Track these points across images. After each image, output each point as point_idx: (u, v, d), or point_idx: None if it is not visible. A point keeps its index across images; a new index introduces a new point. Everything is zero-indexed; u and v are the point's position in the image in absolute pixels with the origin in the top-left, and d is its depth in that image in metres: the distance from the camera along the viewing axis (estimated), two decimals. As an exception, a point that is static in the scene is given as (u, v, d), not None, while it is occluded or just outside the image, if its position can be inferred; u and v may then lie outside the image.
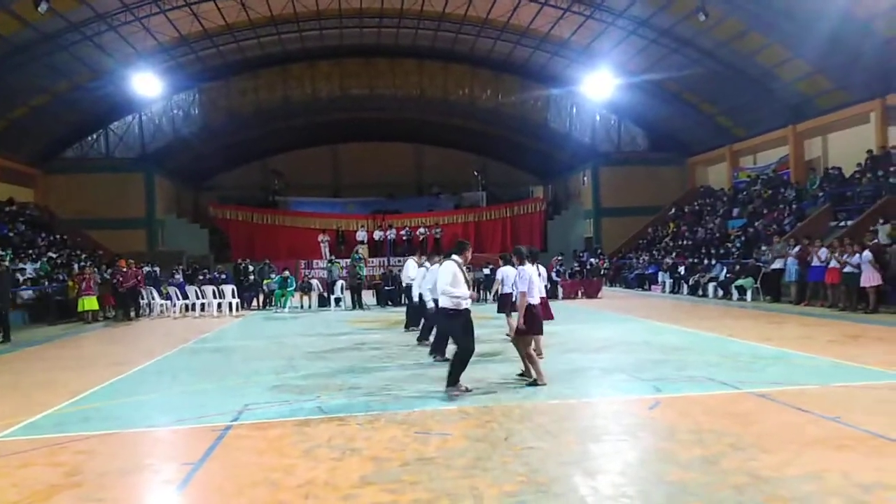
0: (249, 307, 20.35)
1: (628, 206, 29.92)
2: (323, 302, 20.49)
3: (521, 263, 7.70)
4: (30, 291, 17.74)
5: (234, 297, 19.17)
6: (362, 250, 28.00)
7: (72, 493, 4.44)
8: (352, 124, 32.36)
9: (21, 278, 17.60)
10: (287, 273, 20.20)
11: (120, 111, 27.49)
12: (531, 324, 7.38)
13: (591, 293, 21.17)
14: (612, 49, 24.41)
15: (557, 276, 21.61)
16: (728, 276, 19.14)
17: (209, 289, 19.25)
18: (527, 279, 7.37)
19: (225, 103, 29.12)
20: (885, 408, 6.02)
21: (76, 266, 20.41)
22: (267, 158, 35.27)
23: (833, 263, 14.75)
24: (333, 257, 25.30)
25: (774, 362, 8.44)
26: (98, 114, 26.91)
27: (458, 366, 6.97)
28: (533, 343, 7.77)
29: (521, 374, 7.72)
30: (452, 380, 6.96)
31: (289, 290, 19.56)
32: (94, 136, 28.23)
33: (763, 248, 18.88)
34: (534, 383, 7.29)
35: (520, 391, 7.12)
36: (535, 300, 7.51)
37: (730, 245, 21.68)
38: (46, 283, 19.00)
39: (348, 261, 21.94)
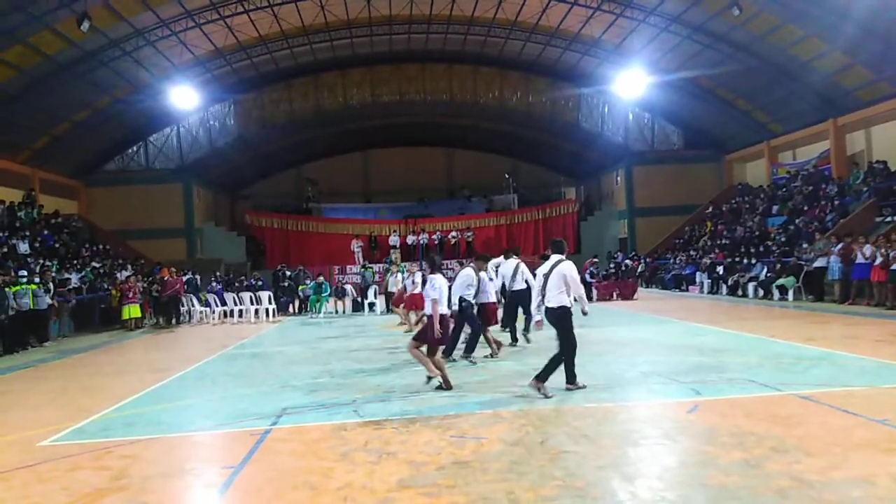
0: (286, 313, 20.67)
1: (663, 206, 29.41)
2: (357, 307, 20.68)
3: (433, 272, 7.83)
4: (74, 300, 18.29)
5: (270, 303, 19.49)
6: (395, 255, 28.19)
7: (118, 497, 4.58)
8: (383, 130, 32.64)
9: (67, 288, 18.17)
10: (321, 279, 20.45)
11: (158, 123, 28.23)
12: (430, 334, 7.44)
13: (627, 295, 20.89)
14: (644, 47, 24.09)
15: (591, 277, 21.42)
16: (769, 275, 18.67)
17: (246, 295, 19.61)
18: (437, 288, 7.50)
19: (259, 113, 29.68)
20: (938, 409, 5.80)
21: (118, 275, 21.02)
22: (300, 166, 35.78)
23: (879, 260, 14.28)
24: (367, 262, 25.51)
25: (818, 363, 8.21)
26: (137, 127, 27.69)
27: (559, 363, 7.00)
28: (428, 348, 7.66)
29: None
30: (546, 376, 6.96)
31: (323, 295, 19.79)
32: (135, 149, 29.03)
33: (805, 245, 18.37)
34: (429, 379, 7.51)
35: (554, 396, 7.05)
36: (444, 310, 7.56)
37: (770, 243, 21.15)
38: (85, 291, 19.54)
39: (381, 266, 22.14)
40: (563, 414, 6.22)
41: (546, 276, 7.13)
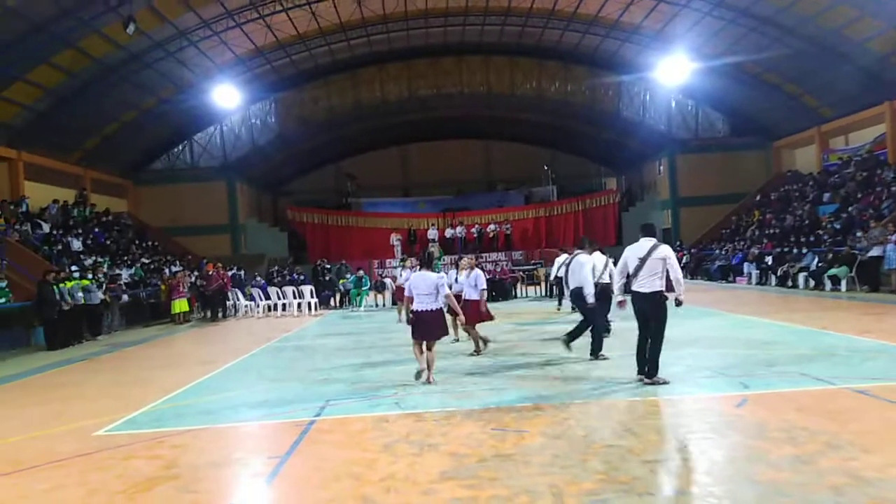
0: (327, 306, 20.96)
1: (708, 195, 28.71)
2: (396, 300, 20.80)
3: (421, 268, 8.00)
4: (125, 296, 18.93)
5: (312, 297, 19.79)
6: (433, 248, 28.25)
7: (170, 485, 4.72)
8: (420, 124, 32.71)
9: (118, 283, 18.80)
10: (361, 273, 20.66)
11: (202, 123, 28.91)
12: (413, 327, 7.66)
13: (670, 287, 20.45)
14: (687, 32, 23.47)
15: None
16: (820, 265, 18.04)
17: (289, 289, 19.96)
18: (409, 283, 7.72)
19: (298, 111, 30.08)
20: None
21: (167, 271, 21.64)
22: (339, 162, 36.21)
23: (939, 249, 13.65)
24: (406, 256, 25.63)
25: (874, 356, 7.89)
26: (182, 126, 28.41)
27: (659, 353, 6.95)
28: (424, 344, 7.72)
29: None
30: (656, 368, 6.96)
31: (364, 289, 19.99)
32: (180, 148, 29.81)
33: (858, 234, 17.68)
34: (420, 376, 7.62)
35: (597, 389, 6.98)
36: (423, 306, 7.62)
37: (821, 232, 20.44)
38: (141, 287, 20.26)
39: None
40: (606, 408, 6.14)
41: (643, 260, 6.95)
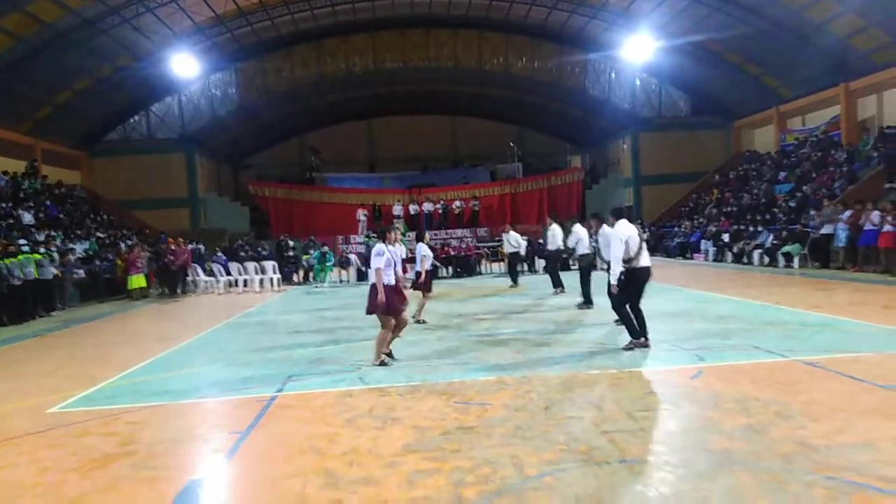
0: (290, 282, 20.72)
1: (670, 173, 29.22)
2: (361, 276, 20.73)
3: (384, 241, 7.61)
4: (80, 271, 18.38)
5: (274, 272, 19.54)
6: (398, 224, 28.12)
7: (126, 462, 4.63)
8: (386, 98, 32.28)
9: (72, 258, 18.22)
10: (326, 248, 20.46)
11: (160, 92, 27.96)
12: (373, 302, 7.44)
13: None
14: (652, 10, 23.59)
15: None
16: (774, 242, 18.57)
17: (251, 265, 19.66)
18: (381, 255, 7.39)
19: (261, 81, 29.33)
20: (944, 375, 5.78)
21: (123, 245, 21.06)
22: (303, 135, 35.54)
23: (887, 227, 14.16)
24: (370, 232, 25.47)
25: (824, 330, 8.19)
26: (139, 96, 27.43)
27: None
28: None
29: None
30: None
31: (328, 265, 19.82)
32: (136, 118, 28.82)
33: (812, 213, 18.22)
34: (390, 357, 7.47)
35: (559, 362, 7.08)
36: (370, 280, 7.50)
37: (777, 211, 21.01)
38: (97, 262, 19.67)
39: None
40: (567, 381, 6.23)
41: (642, 238, 7.53)
